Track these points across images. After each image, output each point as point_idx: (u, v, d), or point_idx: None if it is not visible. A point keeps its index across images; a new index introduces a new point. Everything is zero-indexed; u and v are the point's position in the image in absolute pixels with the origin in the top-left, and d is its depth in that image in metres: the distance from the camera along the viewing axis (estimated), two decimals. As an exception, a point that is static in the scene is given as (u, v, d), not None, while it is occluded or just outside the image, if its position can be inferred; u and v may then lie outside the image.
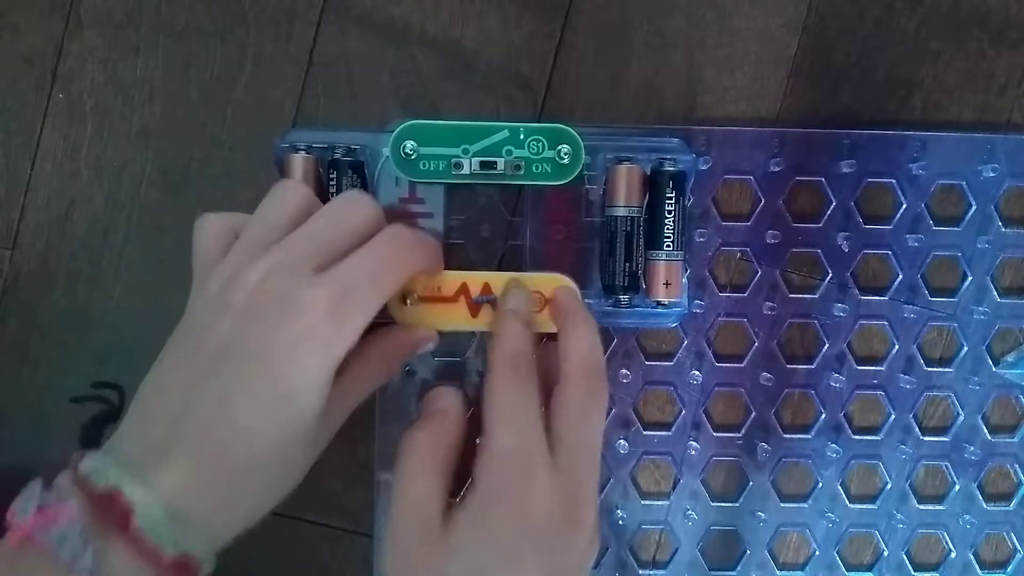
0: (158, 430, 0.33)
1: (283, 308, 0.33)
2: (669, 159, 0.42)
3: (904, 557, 0.46)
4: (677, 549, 0.45)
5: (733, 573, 0.45)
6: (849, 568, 0.46)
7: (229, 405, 0.33)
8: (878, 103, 0.45)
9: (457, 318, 0.40)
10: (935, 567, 0.46)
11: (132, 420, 0.34)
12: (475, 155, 0.42)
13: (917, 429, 0.45)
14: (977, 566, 0.46)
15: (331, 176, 0.41)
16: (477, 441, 0.35)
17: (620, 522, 0.45)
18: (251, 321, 0.33)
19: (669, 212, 0.42)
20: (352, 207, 0.36)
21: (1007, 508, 0.46)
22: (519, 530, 0.33)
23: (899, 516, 0.46)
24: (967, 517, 0.46)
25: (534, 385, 0.36)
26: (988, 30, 0.45)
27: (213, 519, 0.33)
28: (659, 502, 0.45)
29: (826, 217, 0.45)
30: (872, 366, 0.45)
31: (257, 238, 0.35)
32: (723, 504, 0.45)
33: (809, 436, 0.45)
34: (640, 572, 0.45)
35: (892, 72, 0.45)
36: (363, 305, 0.34)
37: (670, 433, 0.45)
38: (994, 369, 0.46)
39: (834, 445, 0.45)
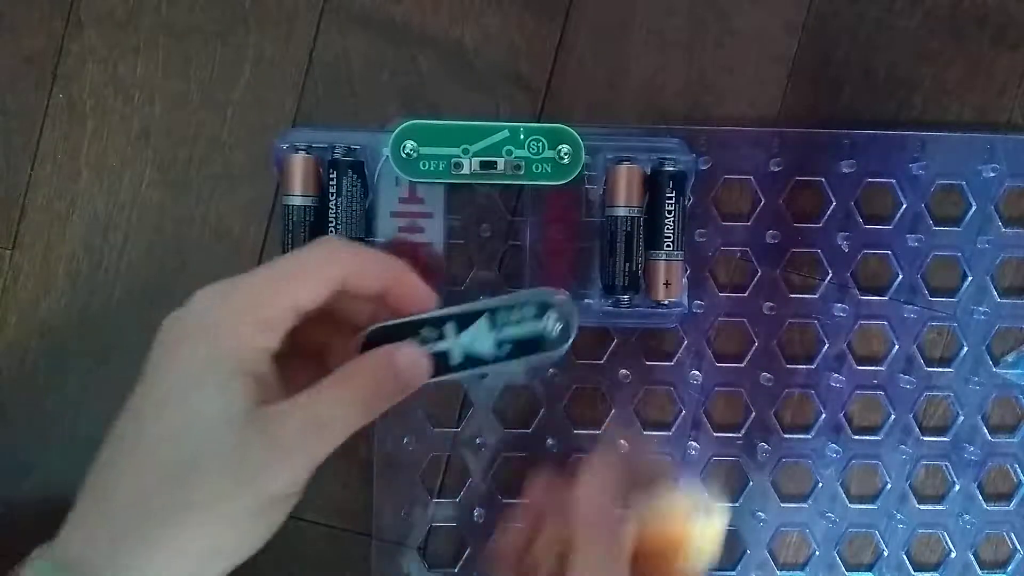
0: (103, 532, 0.29)
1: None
2: (669, 159, 0.42)
3: (904, 557, 0.46)
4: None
5: (733, 573, 0.45)
6: (849, 568, 0.46)
7: (114, 430, 0.30)
8: (878, 103, 0.45)
9: None
10: (935, 567, 0.46)
11: (77, 515, 0.30)
12: (475, 155, 0.42)
13: (917, 429, 0.45)
14: (977, 566, 0.46)
15: (331, 176, 0.41)
16: None
17: (620, 522, 0.45)
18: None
19: (669, 212, 0.42)
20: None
21: (1007, 508, 0.46)
22: None
23: (899, 516, 0.46)
24: (967, 517, 0.46)
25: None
26: (988, 30, 0.45)
27: (127, 568, 0.29)
28: (659, 502, 0.45)
29: (826, 217, 0.45)
30: (872, 366, 0.45)
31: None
32: (723, 504, 0.45)
33: (809, 436, 0.45)
34: (640, 572, 0.45)
35: (892, 72, 0.45)
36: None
37: (670, 433, 0.45)
38: (994, 369, 0.46)
39: (834, 445, 0.45)
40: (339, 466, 0.45)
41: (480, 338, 0.32)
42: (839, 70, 0.45)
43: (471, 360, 0.32)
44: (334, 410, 0.31)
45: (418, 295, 0.32)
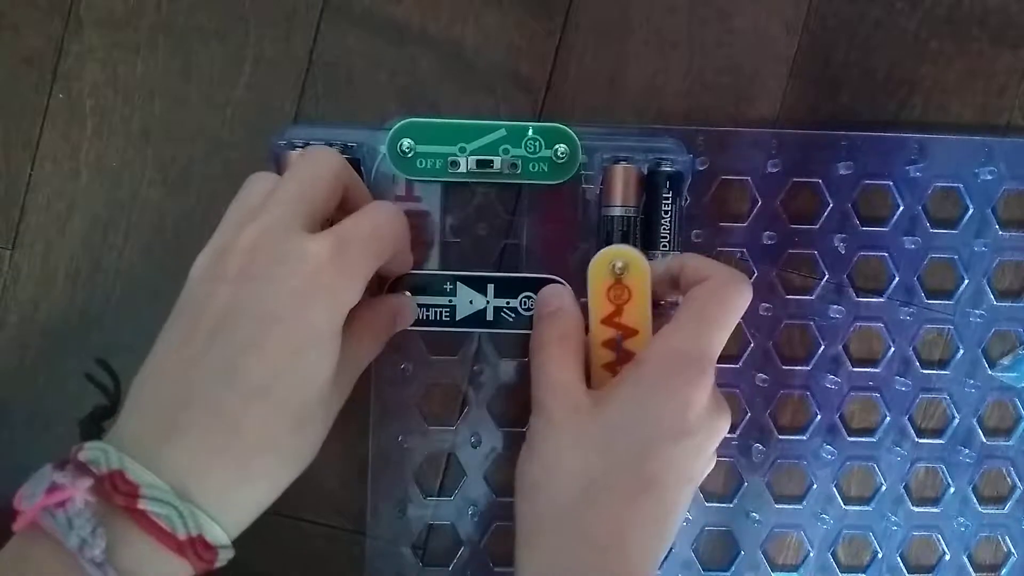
0: (161, 412, 0.33)
1: (282, 263, 0.33)
2: (666, 159, 0.42)
3: (899, 559, 0.46)
4: (671, 550, 0.45)
5: (727, 574, 0.46)
6: (844, 570, 0.46)
7: (237, 372, 0.32)
8: (878, 103, 0.45)
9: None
10: (930, 569, 0.46)
11: (131, 407, 0.33)
12: (472, 154, 0.42)
13: (913, 431, 0.46)
14: (971, 569, 0.46)
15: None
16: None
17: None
18: (249, 282, 0.33)
19: (666, 212, 0.42)
20: (317, 160, 0.36)
21: (1002, 511, 0.46)
22: (681, 418, 0.36)
23: (894, 518, 0.46)
24: (962, 519, 0.46)
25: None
26: (988, 30, 0.45)
27: (227, 499, 0.33)
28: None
29: (823, 218, 0.45)
30: (868, 367, 0.45)
31: (246, 206, 0.36)
32: (718, 505, 0.46)
33: (804, 437, 0.45)
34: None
35: (892, 72, 0.45)
36: (364, 257, 0.35)
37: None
38: (990, 372, 0.46)
39: (829, 446, 0.45)
40: (339, 466, 0.45)
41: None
42: (839, 70, 0.45)
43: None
44: (367, 359, 0.39)
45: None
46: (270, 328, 0.33)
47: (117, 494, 0.30)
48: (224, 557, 0.33)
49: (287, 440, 0.34)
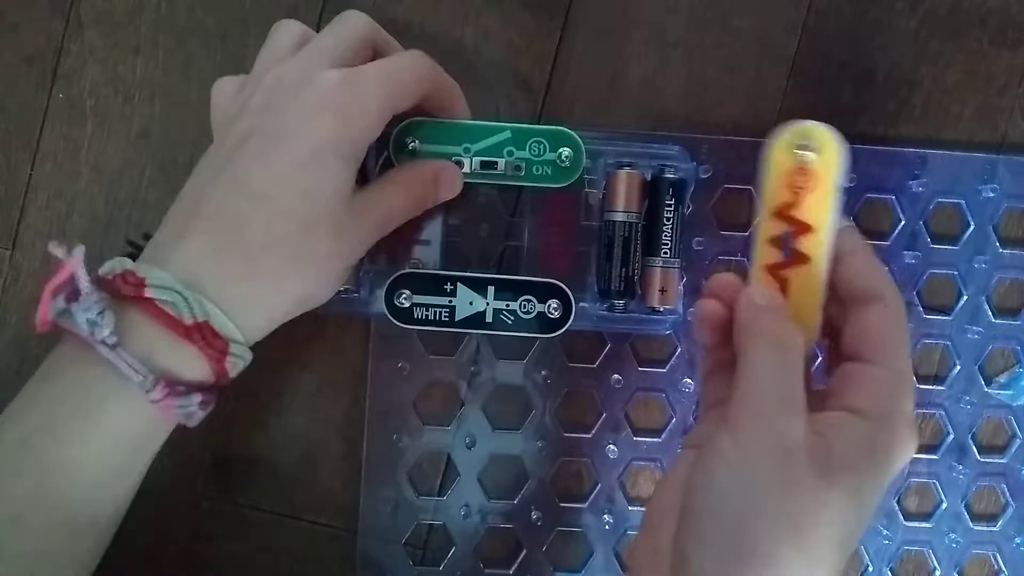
0: (175, 223, 0.36)
1: (298, 92, 0.36)
2: (670, 166, 0.42)
3: (888, 573, 0.46)
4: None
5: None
6: (834, 583, 0.46)
7: (244, 180, 0.35)
8: (878, 103, 0.45)
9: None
10: (920, 585, 0.46)
11: (156, 233, 0.36)
12: (476, 155, 0.42)
13: (906, 447, 0.46)
14: (961, 585, 0.46)
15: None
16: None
17: (607, 527, 0.45)
18: (268, 112, 0.36)
19: (667, 219, 0.42)
20: (352, 20, 0.39)
21: (993, 529, 0.46)
22: (894, 444, 0.31)
23: (885, 532, 0.46)
24: (953, 536, 0.46)
25: None
26: (988, 30, 0.45)
27: (236, 294, 0.34)
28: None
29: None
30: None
31: (276, 53, 0.38)
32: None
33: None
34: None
35: (892, 72, 0.45)
36: (379, 86, 0.36)
37: (660, 440, 0.45)
38: (986, 389, 0.46)
39: (823, 459, 0.45)
40: (339, 466, 0.45)
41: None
42: (839, 70, 0.45)
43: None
44: (395, 209, 0.39)
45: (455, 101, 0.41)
46: (277, 143, 0.35)
47: (126, 286, 0.33)
48: (238, 355, 0.35)
49: (294, 243, 0.35)
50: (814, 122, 0.33)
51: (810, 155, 0.33)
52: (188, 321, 0.33)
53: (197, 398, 0.34)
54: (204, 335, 0.33)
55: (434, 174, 0.41)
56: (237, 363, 0.35)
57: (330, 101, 0.35)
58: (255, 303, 0.35)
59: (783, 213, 0.33)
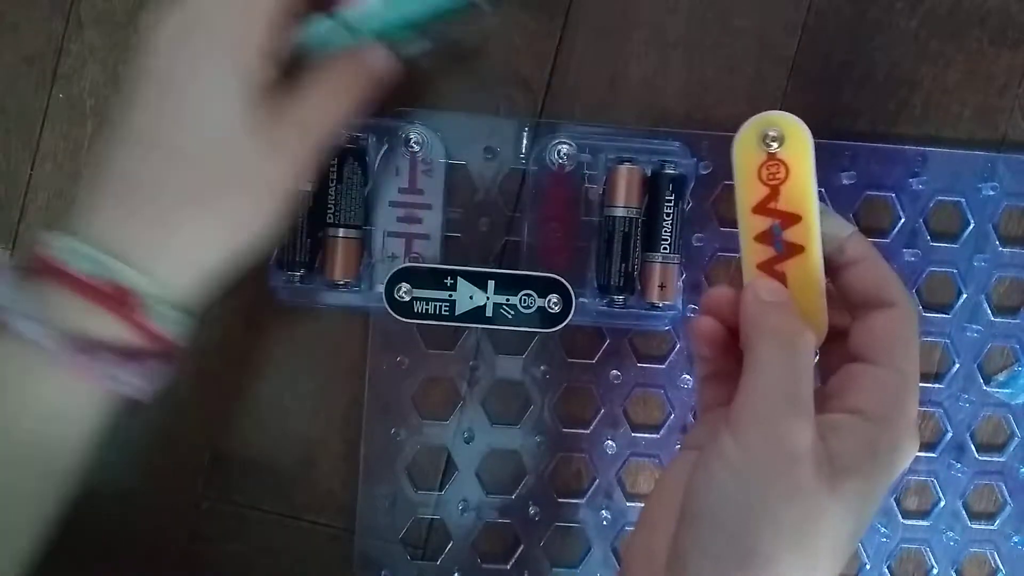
0: (84, 192, 0.34)
1: (168, 15, 0.34)
2: (670, 162, 0.42)
3: (887, 571, 0.46)
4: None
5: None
6: (831, 581, 0.46)
7: (129, 131, 0.33)
8: (878, 103, 0.45)
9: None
10: (917, 583, 0.46)
11: (90, 199, 0.34)
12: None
13: (904, 444, 0.46)
14: (959, 583, 0.46)
15: (332, 162, 0.41)
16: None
17: (604, 523, 0.45)
18: (145, 48, 0.34)
19: (667, 215, 0.42)
20: None
21: (991, 527, 0.46)
22: (897, 447, 0.30)
23: (883, 530, 0.46)
24: (951, 534, 0.46)
25: None
26: (988, 30, 0.45)
27: (156, 250, 0.33)
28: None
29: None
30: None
31: None
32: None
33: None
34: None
35: (892, 72, 0.45)
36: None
37: (659, 436, 0.45)
38: (985, 387, 0.46)
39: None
40: (339, 466, 0.45)
41: None
42: (839, 70, 0.45)
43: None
44: (316, 113, 0.35)
45: None
46: (150, 77, 0.33)
47: (35, 259, 0.32)
48: (160, 312, 0.33)
49: (196, 183, 0.34)
50: (775, 111, 0.33)
51: (776, 145, 0.33)
52: (97, 282, 0.32)
53: (131, 365, 0.33)
54: (119, 296, 0.32)
55: (359, 67, 0.37)
56: (162, 321, 0.33)
57: (201, 16, 0.33)
58: (183, 257, 0.34)
59: (765, 208, 0.33)
